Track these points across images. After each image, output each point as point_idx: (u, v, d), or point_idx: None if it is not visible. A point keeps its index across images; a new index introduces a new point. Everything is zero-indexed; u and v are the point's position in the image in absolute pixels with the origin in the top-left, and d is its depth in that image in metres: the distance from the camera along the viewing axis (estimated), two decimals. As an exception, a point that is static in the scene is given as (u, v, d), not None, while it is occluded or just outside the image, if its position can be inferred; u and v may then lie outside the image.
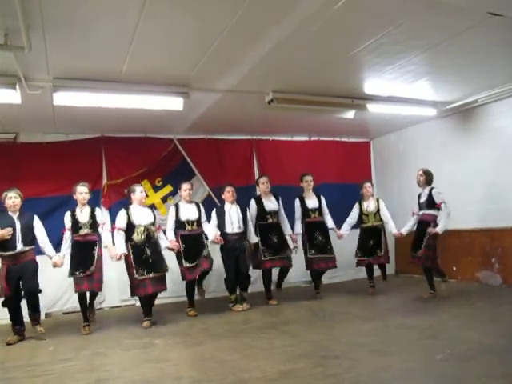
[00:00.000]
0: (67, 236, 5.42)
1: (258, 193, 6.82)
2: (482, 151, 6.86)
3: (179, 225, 5.93)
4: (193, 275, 5.83)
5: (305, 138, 8.64)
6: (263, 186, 6.55)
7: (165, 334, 5.14)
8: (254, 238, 6.35)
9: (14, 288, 4.95)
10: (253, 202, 6.58)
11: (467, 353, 3.69)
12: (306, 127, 7.99)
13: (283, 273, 6.70)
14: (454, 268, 6.77)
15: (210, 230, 6.03)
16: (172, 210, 6.07)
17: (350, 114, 6.41)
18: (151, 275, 5.44)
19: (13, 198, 5.04)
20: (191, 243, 5.89)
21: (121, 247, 5.43)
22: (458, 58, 4.96)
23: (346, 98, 6.10)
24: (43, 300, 6.17)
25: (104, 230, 5.55)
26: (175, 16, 3.69)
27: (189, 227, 5.92)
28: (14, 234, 4.95)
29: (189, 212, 6.00)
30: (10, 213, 5.07)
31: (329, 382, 3.30)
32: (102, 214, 5.71)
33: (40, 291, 5.16)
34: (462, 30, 4.26)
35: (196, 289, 6.11)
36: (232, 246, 6.07)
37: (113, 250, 5.44)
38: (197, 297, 6.15)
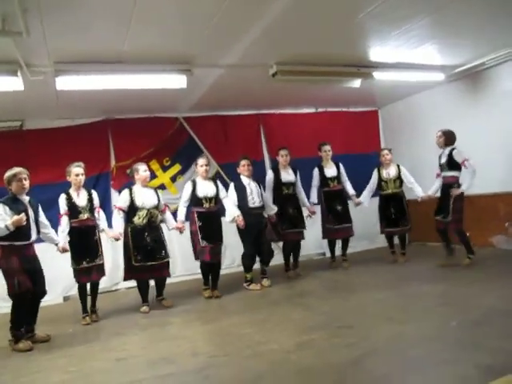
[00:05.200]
0: (65, 222, 5.01)
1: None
2: (493, 114, 6.73)
3: (196, 201, 5.70)
4: (211, 258, 5.60)
5: (311, 110, 8.55)
6: (282, 159, 6.50)
7: (180, 312, 5.20)
8: (271, 209, 6.21)
9: (33, 281, 4.34)
10: (270, 172, 6.58)
11: (481, 318, 3.70)
12: (312, 99, 7.89)
13: (296, 249, 6.64)
14: (468, 234, 6.69)
15: (231, 208, 5.82)
16: (188, 185, 5.79)
17: (357, 83, 6.29)
18: (148, 263, 5.26)
19: (24, 180, 4.41)
20: (208, 221, 5.67)
21: (118, 227, 5.32)
22: (464, 19, 4.81)
23: (352, 66, 5.97)
24: (61, 283, 6.34)
25: (100, 214, 5.33)
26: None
27: (206, 204, 5.68)
28: (27, 221, 4.33)
29: (207, 188, 5.75)
30: (18, 196, 4.42)
31: (345, 351, 3.33)
32: (97, 197, 5.38)
33: (46, 293, 4.64)
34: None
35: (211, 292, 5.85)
36: (254, 222, 5.86)
37: (110, 231, 5.31)
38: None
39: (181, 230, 5.68)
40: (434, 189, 6.29)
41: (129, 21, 4.01)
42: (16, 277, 4.24)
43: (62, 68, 4.80)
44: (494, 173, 6.57)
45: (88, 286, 5.20)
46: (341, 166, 6.85)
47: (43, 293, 4.58)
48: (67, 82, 4.97)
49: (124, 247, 5.40)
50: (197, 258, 5.76)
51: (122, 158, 7.17)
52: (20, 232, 4.27)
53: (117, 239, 5.30)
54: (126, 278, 5.50)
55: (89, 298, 5.22)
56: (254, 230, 5.89)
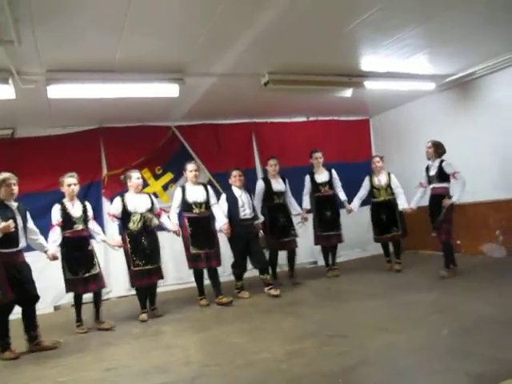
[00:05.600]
0: (57, 232, 4.96)
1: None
2: (483, 123, 6.80)
3: (186, 207, 5.71)
4: (200, 265, 5.67)
5: (303, 119, 8.60)
6: (271, 169, 6.52)
7: (172, 320, 5.18)
8: (260, 218, 6.23)
9: (16, 292, 4.24)
10: (260, 182, 6.57)
11: (472, 326, 3.71)
12: (303, 108, 7.93)
13: (291, 257, 6.63)
14: (458, 242, 6.75)
15: (220, 217, 5.81)
16: (178, 191, 5.83)
17: (348, 93, 6.36)
18: (148, 267, 5.29)
19: (13, 185, 4.34)
20: (199, 227, 5.67)
21: (115, 236, 5.33)
22: (455, 29, 4.88)
23: (343, 76, 6.02)
24: (52, 292, 6.26)
25: (95, 225, 5.32)
26: (165, 1, 3.63)
27: (196, 209, 5.69)
28: (15, 228, 4.23)
29: (196, 193, 5.75)
30: (7, 203, 4.33)
31: (336, 360, 3.32)
32: (91, 208, 5.35)
33: (39, 298, 4.55)
34: (458, 1, 4.19)
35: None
36: (243, 232, 5.87)
37: (110, 240, 5.32)
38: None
39: (177, 233, 5.67)
40: (416, 200, 6.33)
41: (121, 30, 4.03)
42: (0, 288, 4.15)
43: (53, 76, 4.81)
44: (485, 181, 6.63)
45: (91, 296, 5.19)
46: (333, 171, 6.85)
47: (35, 298, 4.49)
48: (59, 91, 4.98)
49: (125, 255, 5.38)
50: (190, 267, 5.76)
51: (113, 167, 7.16)
52: (8, 239, 4.19)
53: (119, 247, 5.29)
54: (133, 285, 5.49)
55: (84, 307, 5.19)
56: (244, 240, 5.89)
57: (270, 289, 5.87)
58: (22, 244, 4.41)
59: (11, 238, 4.24)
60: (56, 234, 4.97)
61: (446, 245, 5.97)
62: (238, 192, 6.06)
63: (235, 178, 6.08)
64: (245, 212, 5.98)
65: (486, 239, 6.89)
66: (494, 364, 2.90)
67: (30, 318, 4.46)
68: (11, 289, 4.22)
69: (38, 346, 4.42)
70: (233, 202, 5.98)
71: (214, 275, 5.82)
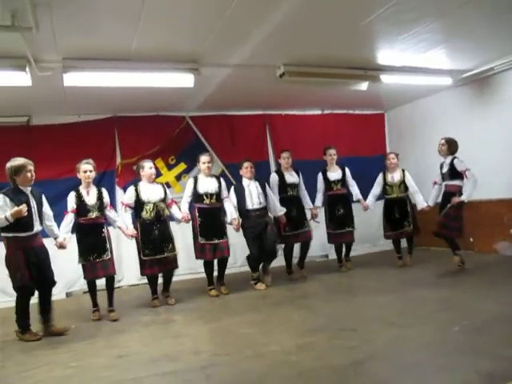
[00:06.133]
0: (70, 219, 5.02)
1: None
2: (500, 120, 6.70)
3: (197, 197, 5.76)
4: (207, 256, 5.72)
5: (318, 112, 8.54)
6: (284, 162, 6.49)
7: (183, 310, 5.22)
8: (280, 210, 6.20)
9: (34, 275, 4.39)
10: (274, 175, 6.55)
11: (483, 324, 3.68)
12: (318, 101, 7.89)
13: (304, 248, 6.60)
14: (471, 239, 6.69)
15: (231, 212, 5.88)
16: (190, 182, 5.89)
17: (364, 86, 6.29)
18: (157, 256, 5.34)
19: (31, 171, 4.43)
20: (209, 218, 5.72)
21: (129, 225, 5.35)
22: (473, 24, 4.80)
23: (359, 69, 5.96)
24: (64, 279, 6.32)
25: (112, 212, 5.38)
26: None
27: (207, 200, 5.73)
28: (29, 212, 4.33)
29: (208, 184, 5.79)
30: (21, 187, 4.41)
31: (346, 354, 3.33)
32: (107, 195, 5.39)
33: (56, 283, 4.73)
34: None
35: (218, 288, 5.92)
36: (254, 223, 5.91)
37: (125, 228, 5.33)
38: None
39: (186, 220, 5.66)
40: (432, 198, 6.32)
41: (137, 19, 4.02)
42: (18, 272, 4.31)
43: (70, 64, 4.81)
44: (499, 178, 6.56)
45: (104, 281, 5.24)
46: (346, 169, 6.80)
47: (51, 282, 4.63)
48: (75, 79, 4.98)
49: (136, 243, 5.43)
50: (197, 257, 5.81)
51: (127, 156, 7.19)
52: (21, 223, 4.29)
53: (133, 237, 5.33)
54: (142, 274, 5.53)
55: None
56: (255, 232, 5.91)
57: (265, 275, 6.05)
58: (37, 228, 4.49)
59: (24, 222, 4.32)
60: (69, 221, 5.03)
61: (449, 239, 6.00)
62: (246, 182, 6.09)
63: (246, 170, 6.09)
64: (253, 202, 5.97)
65: (499, 237, 6.82)
66: (505, 363, 2.89)
67: (45, 301, 4.58)
68: (28, 272, 4.34)
69: (49, 329, 4.54)
70: (239, 193, 6.01)
71: (221, 264, 5.90)
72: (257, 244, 5.91)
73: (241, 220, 5.95)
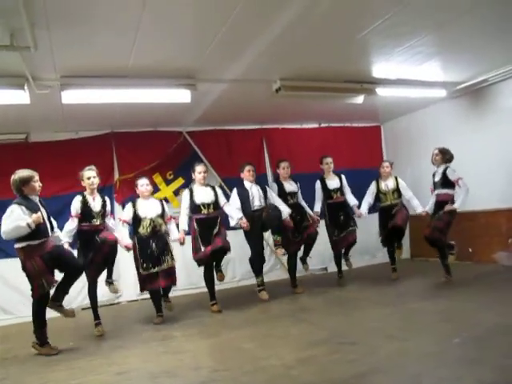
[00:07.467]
0: (74, 226, 5.04)
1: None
2: (495, 130, 6.75)
3: (194, 208, 5.71)
4: (207, 258, 5.63)
5: (315, 125, 8.60)
6: (283, 171, 6.52)
7: (182, 325, 5.19)
8: (287, 212, 6.15)
9: (60, 270, 4.52)
10: (273, 184, 6.60)
11: (484, 335, 3.67)
12: (315, 114, 7.94)
13: (307, 247, 6.64)
14: (470, 250, 6.68)
15: (235, 213, 5.87)
16: (186, 193, 5.84)
17: (359, 99, 6.35)
18: (156, 269, 5.29)
19: (38, 181, 4.50)
20: (207, 227, 5.67)
21: (126, 239, 5.37)
22: (467, 36, 4.86)
23: (355, 82, 6.02)
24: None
25: (111, 220, 5.45)
26: (178, 7, 3.67)
27: (204, 210, 5.68)
28: (43, 219, 4.38)
29: (204, 195, 5.76)
30: (31, 197, 4.45)
31: (347, 367, 3.31)
32: (109, 204, 5.46)
33: (83, 270, 4.79)
34: (470, 8, 4.18)
35: (215, 275, 5.86)
36: (257, 224, 5.93)
37: (122, 241, 5.32)
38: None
39: (181, 242, 5.66)
40: (430, 205, 6.32)
41: (134, 36, 4.07)
42: (42, 277, 4.34)
43: (68, 82, 4.87)
44: (496, 188, 6.59)
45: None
46: (343, 177, 6.84)
47: (78, 269, 4.69)
48: (73, 96, 5.03)
49: (134, 259, 5.42)
50: (199, 264, 5.75)
51: (125, 172, 7.21)
52: (39, 230, 4.32)
53: (129, 249, 5.34)
54: (142, 289, 5.49)
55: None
56: (258, 231, 5.98)
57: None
58: (50, 234, 4.55)
59: (42, 229, 4.37)
60: (72, 226, 5.05)
61: (438, 241, 5.97)
62: (248, 185, 6.12)
63: (248, 173, 6.14)
64: (255, 204, 6.03)
65: (498, 247, 6.82)
66: (506, 373, 2.87)
67: (66, 283, 4.59)
68: (52, 273, 4.44)
69: (58, 308, 4.54)
70: (243, 195, 6.04)
71: (220, 254, 5.76)
72: (258, 243, 5.96)
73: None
